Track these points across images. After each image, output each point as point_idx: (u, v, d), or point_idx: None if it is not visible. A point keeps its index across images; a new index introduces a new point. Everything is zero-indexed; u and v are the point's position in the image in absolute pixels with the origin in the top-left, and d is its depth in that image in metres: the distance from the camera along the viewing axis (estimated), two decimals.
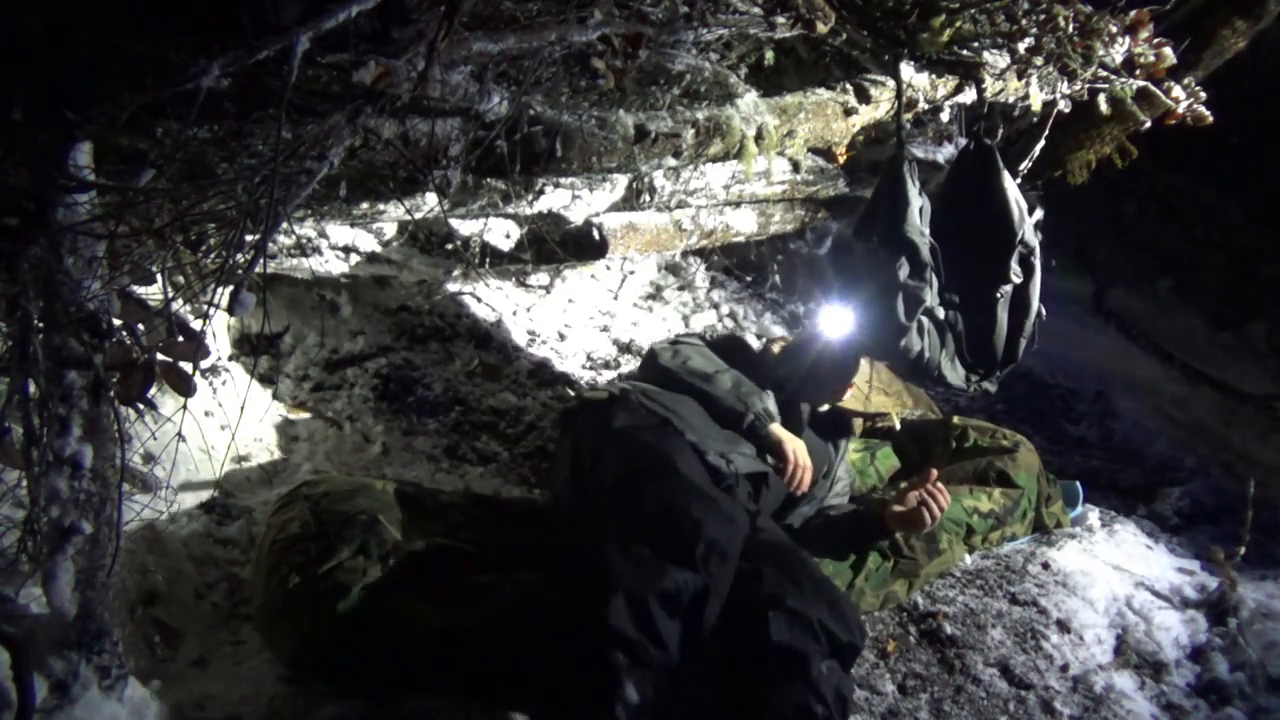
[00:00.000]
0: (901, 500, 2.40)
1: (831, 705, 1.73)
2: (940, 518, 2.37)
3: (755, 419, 2.40)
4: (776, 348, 2.85)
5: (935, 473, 2.41)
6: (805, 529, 2.50)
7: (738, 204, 3.41)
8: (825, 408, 2.73)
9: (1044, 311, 2.84)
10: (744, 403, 2.42)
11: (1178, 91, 3.06)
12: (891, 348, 2.58)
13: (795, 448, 2.42)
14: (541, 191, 2.58)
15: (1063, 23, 2.75)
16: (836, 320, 2.64)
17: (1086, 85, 2.96)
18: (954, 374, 2.73)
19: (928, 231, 2.63)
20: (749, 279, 4.23)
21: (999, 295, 2.74)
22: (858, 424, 2.90)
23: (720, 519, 1.89)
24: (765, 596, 1.84)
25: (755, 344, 2.88)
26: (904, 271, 2.54)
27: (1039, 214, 2.85)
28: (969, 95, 2.93)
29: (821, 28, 2.42)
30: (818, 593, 1.90)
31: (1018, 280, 2.76)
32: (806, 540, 2.36)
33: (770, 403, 2.51)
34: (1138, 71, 2.97)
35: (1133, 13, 2.87)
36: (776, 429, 2.43)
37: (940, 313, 2.67)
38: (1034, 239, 2.79)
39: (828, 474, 2.60)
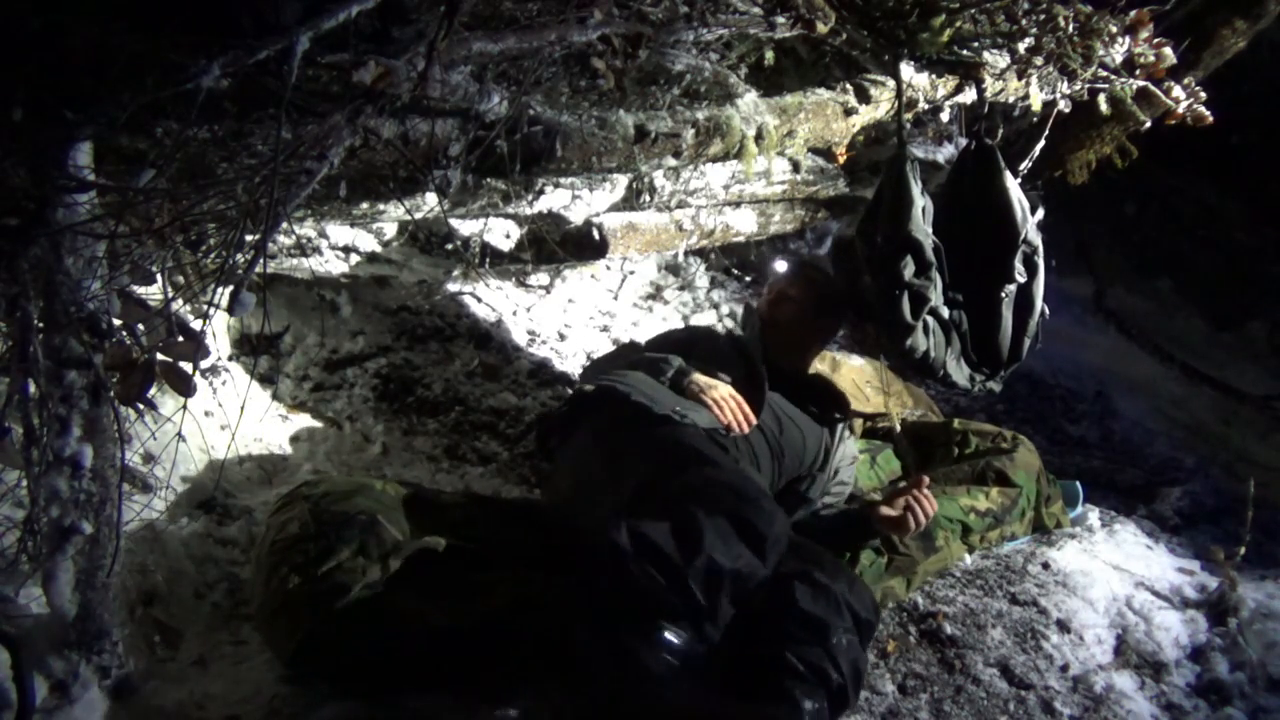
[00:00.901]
0: (890, 503, 2.39)
1: (846, 675, 1.75)
2: (925, 522, 2.37)
3: (675, 373, 2.38)
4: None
5: (926, 479, 2.40)
6: (796, 527, 2.48)
7: (738, 204, 3.41)
8: (805, 375, 2.72)
9: (1047, 310, 2.84)
10: (657, 368, 2.39)
11: (1178, 91, 3.06)
12: (897, 347, 2.59)
13: (714, 386, 2.35)
14: (541, 191, 2.59)
15: (1063, 23, 2.75)
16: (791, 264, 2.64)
17: (1086, 85, 2.96)
18: (959, 373, 2.73)
19: (931, 231, 2.63)
20: (749, 279, 4.23)
21: (1003, 294, 2.74)
22: (858, 423, 2.90)
23: (781, 514, 1.91)
24: (790, 570, 1.87)
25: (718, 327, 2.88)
26: (908, 270, 2.54)
27: (1040, 213, 2.85)
28: (969, 95, 2.93)
29: (821, 28, 2.42)
30: (837, 571, 1.94)
31: (1021, 279, 2.77)
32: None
33: (683, 363, 2.45)
34: (1138, 71, 2.97)
35: (1133, 13, 2.87)
36: (696, 377, 2.38)
37: (945, 312, 2.67)
38: (1037, 238, 2.80)
39: (824, 465, 2.55)
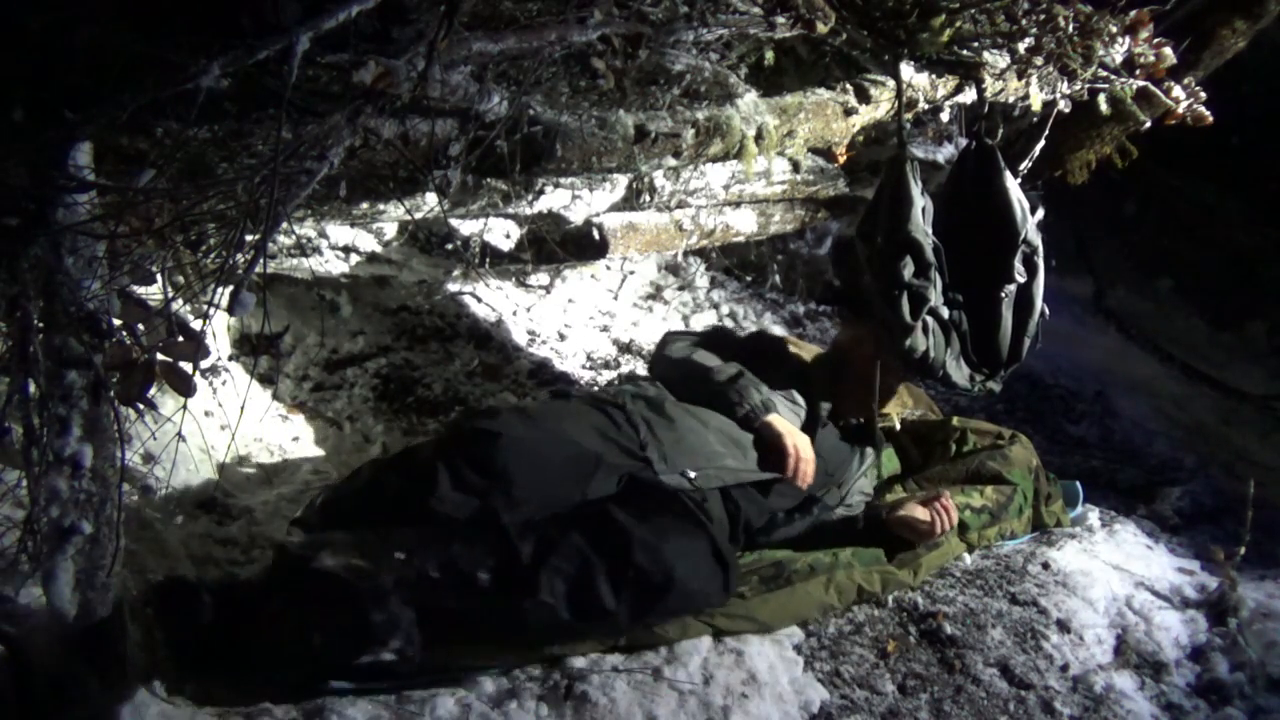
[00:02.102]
0: (913, 508, 2.45)
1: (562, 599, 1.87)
2: (948, 531, 2.46)
3: (750, 411, 2.41)
4: (797, 349, 2.88)
5: (948, 494, 2.50)
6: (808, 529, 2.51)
7: (738, 204, 3.41)
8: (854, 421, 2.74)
9: (1047, 310, 2.84)
10: (739, 393, 2.43)
11: (1178, 91, 3.06)
12: (896, 347, 2.59)
13: (795, 441, 2.41)
14: (541, 191, 2.58)
15: (1063, 23, 2.75)
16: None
17: (1086, 85, 2.96)
18: (959, 374, 2.73)
19: (931, 231, 2.63)
20: (749, 279, 4.23)
21: (1003, 294, 2.74)
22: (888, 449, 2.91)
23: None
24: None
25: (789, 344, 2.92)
26: (908, 271, 2.54)
27: (1041, 213, 2.85)
28: (969, 95, 2.93)
29: (821, 28, 2.42)
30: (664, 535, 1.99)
31: (1021, 279, 2.76)
32: (798, 540, 2.41)
33: (768, 394, 2.51)
34: (1138, 71, 2.96)
35: (1133, 13, 2.87)
36: (774, 420, 2.42)
37: (945, 312, 2.66)
38: (1037, 238, 2.79)
39: (842, 483, 2.58)
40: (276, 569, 1.93)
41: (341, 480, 2.29)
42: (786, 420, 2.47)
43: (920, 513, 2.44)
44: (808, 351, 2.93)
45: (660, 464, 2.22)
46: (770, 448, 2.41)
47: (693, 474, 2.24)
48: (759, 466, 2.40)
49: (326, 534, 1.92)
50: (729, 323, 3.99)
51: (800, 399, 2.62)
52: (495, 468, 2.01)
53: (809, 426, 2.55)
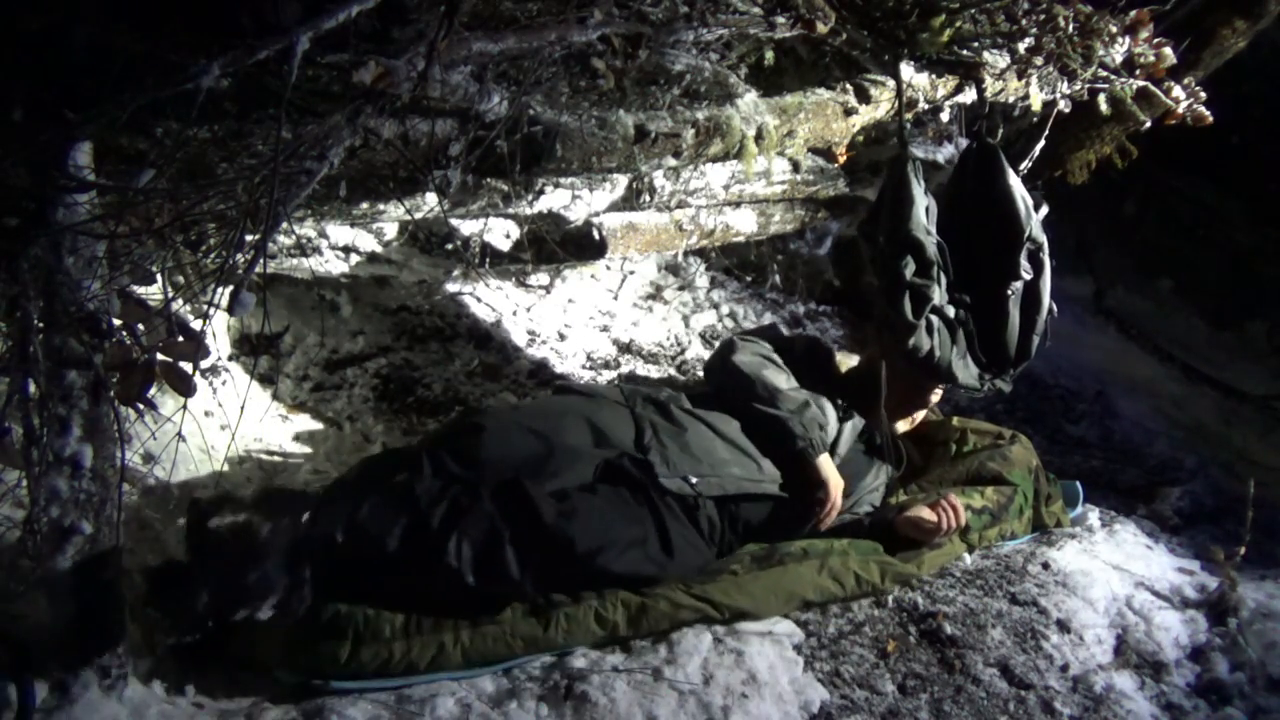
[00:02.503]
0: (920, 509, 2.48)
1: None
2: (954, 533, 2.49)
3: (808, 447, 2.42)
4: (841, 360, 2.89)
5: (952, 495, 2.53)
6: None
7: (738, 204, 3.41)
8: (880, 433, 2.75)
9: (1055, 308, 2.84)
10: (804, 426, 2.43)
11: (1178, 91, 3.06)
12: (900, 347, 2.59)
13: (834, 489, 2.44)
14: (541, 191, 2.58)
15: (1063, 23, 2.74)
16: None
17: (1086, 85, 2.96)
18: (966, 373, 2.73)
19: (934, 230, 2.62)
20: (749, 279, 4.23)
21: (1010, 292, 2.74)
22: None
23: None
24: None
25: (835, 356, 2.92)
26: (910, 270, 2.54)
27: (1045, 209, 2.85)
28: (969, 95, 2.93)
29: (821, 28, 2.42)
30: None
31: (1028, 276, 2.76)
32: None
33: (830, 429, 2.53)
34: (1138, 71, 2.96)
35: (1133, 13, 2.87)
36: (824, 463, 2.44)
37: (950, 311, 2.66)
38: (1042, 235, 2.79)
39: (853, 492, 2.59)
40: (186, 526, 1.95)
41: (339, 475, 2.32)
42: (833, 464, 2.49)
43: (927, 514, 2.47)
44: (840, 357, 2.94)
45: (662, 467, 2.24)
46: (809, 485, 2.44)
47: (694, 479, 2.26)
48: (783, 488, 2.42)
49: (230, 492, 2.00)
50: (729, 323, 3.99)
51: (831, 412, 2.61)
52: (476, 457, 2.09)
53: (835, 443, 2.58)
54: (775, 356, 2.64)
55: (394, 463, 2.14)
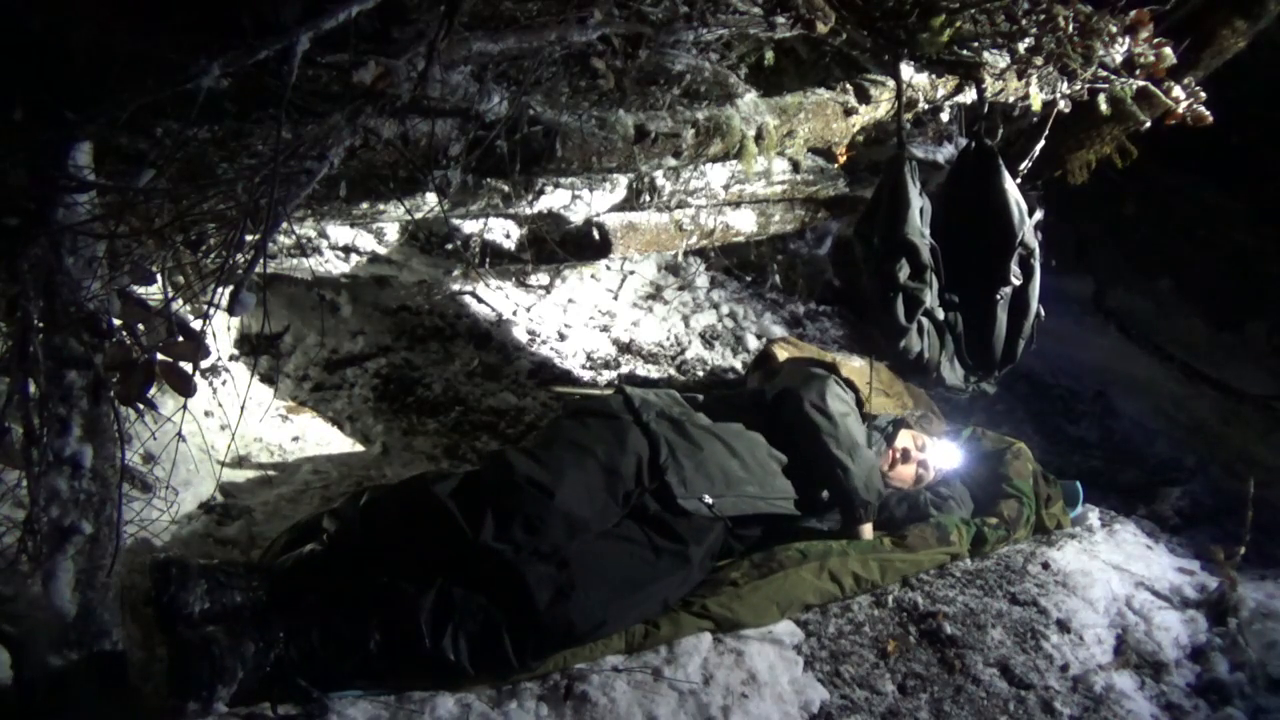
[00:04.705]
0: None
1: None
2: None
3: (866, 509, 2.47)
4: (841, 362, 2.94)
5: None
6: (812, 532, 2.54)
7: (738, 204, 3.41)
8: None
9: (1043, 312, 2.84)
10: (872, 491, 2.47)
11: (1178, 91, 3.06)
12: (891, 348, 2.59)
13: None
14: (541, 191, 2.58)
15: (1063, 23, 2.74)
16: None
17: (1086, 85, 2.96)
18: (953, 375, 2.74)
19: (928, 232, 2.63)
20: (749, 279, 4.23)
21: (999, 297, 2.74)
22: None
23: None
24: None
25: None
26: (904, 273, 2.54)
27: (1039, 215, 2.85)
28: (969, 95, 2.93)
29: (821, 28, 2.42)
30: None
31: (1017, 282, 2.77)
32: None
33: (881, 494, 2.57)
34: (1138, 71, 2.96)
35: (1133, 13, 2.87)
36: (868, 530, 2.50)
37: (940, 314, 2.67)
38: (1034, 241, 2.80)
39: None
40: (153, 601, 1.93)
41: (390, 485, 2.30)
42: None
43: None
44: (804, 352, 2.92)
45: (679, 488, 2.24)
46: (845, 529, 2.50)
47: (710, 500, 2.26)
48: (796, 505, 2.44)
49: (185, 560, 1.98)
50: (729, 323, 3.99)
51: None
52: (540, 527, 2.03)
53: None
54: (856, 409, 2.63)
55: (456, 500, 2.07)
